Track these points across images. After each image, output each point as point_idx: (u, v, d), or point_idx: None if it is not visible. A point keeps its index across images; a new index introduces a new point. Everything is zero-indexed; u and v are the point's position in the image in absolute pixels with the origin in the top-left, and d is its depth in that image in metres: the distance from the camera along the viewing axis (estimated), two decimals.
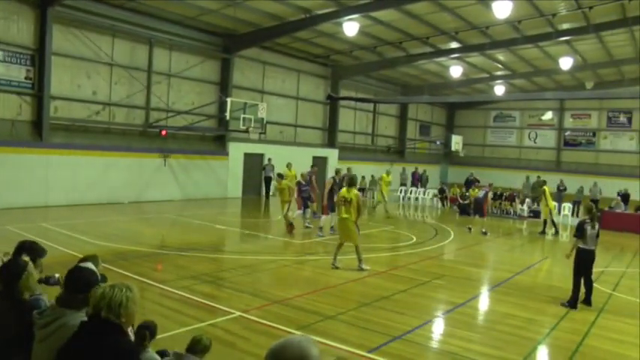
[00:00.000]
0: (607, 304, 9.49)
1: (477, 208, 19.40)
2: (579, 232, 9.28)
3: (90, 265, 3.95)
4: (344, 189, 11.57)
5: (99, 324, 3.06)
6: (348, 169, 19.09)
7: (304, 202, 16.65)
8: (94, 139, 20.03)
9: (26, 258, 4.08)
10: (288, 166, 20.90)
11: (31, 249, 4.39)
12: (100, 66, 20.14)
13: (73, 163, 18.81)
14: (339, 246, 11.36)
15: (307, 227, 16.60)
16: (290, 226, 15.64)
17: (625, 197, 25.47)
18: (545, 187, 19.51)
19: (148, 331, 4.03)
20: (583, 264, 9.22)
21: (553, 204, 19.95)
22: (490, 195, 21.05)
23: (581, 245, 9.27)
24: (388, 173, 22.93)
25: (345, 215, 11.26)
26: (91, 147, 19.51)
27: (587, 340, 7.46)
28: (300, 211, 16.67)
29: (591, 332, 7.84)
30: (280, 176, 17.27)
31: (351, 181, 11.71)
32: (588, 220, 9.35)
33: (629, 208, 23.86)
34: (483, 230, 18.47)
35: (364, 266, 11.17)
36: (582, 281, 9.26)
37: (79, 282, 3.51)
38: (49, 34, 17.89)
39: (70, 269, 3.73)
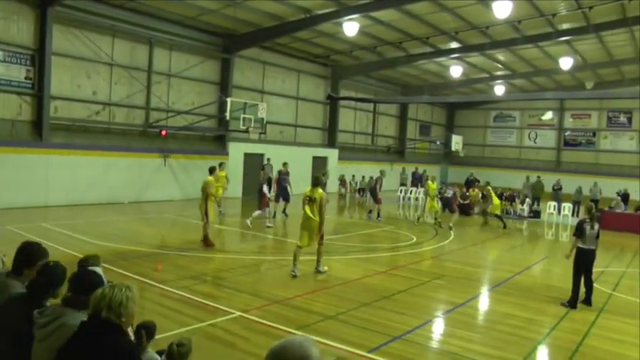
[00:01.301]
0: (607, 304, 9.50)
1: (446, 205, 21.69)
2: (578, 231, 9.32)
3: (97, 269, 3.97)
4: (308, 188, 10.92)
5: (99, 324, 3.07)
6: (285, 164, 20.06)
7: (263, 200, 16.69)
8: (94, 139, 20.03)
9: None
10: (222, 165, 18.01)
11: (36, 252, 4.32)
12: (100, 66, 20.14)
13: (73, 163, 18.81)
14: (298, 249, 10.60)
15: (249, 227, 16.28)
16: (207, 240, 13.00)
17: (625, 197, 25.45)
18: (489, 187, 21.32)
19: (147, 331, 4.02)
20: (583, 264, 9.25)
21: (498, 201, 21.50)
22: (458, 194, 23.70)
23: (580, 245, 9.29)
24: (433, 180, 20.85)
25: (309, 214, 10.52)
26: (91, 147, 19.51)
27: (587, 340, 7.47)
28: (260, 211, 16.60)
29: (591, 332, 7.85)
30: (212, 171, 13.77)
31: (317, 181, 10.89)
32: (588, 220, 9.38)
33: (629, 208, 23.83)
34: (450, 225, 18.90)
35: (297, 270, 10.49)
36: (582, 281, 9.28)
37: (84, 284, 3.53)
38: (49, 34, 17.88)
39: (75, 271, 3.75)
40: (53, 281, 3.76)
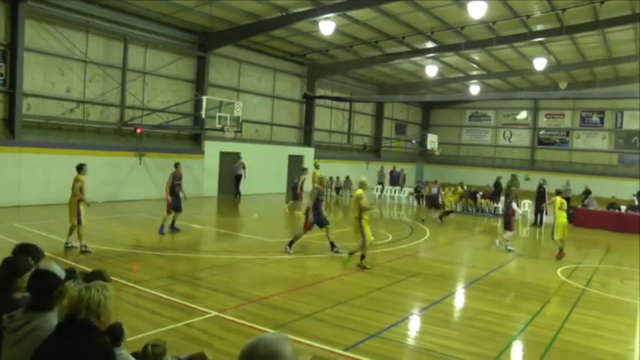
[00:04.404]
0: (580, 300, 9.66)
1: (433, 202, 22.23)
2: None
3: (53, 265, 3.89)
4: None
5: (76, 325, 3.03)
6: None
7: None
8: (68, 137, 19.70)
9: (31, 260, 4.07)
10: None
11: (32, 252, 4.31)
12: (73, 63, 19.81)
13: (46, 162, 18.45)
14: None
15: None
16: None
17: (586, 194, 26.01)
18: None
19: (116, 332, 3.96)
20: None
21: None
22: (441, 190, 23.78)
23: None
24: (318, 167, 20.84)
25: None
26: (64, 145, 19.17)
27: (560, 335, 7.59)
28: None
29: (565, 327, 7.97)
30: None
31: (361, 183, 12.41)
32: None
33: (602, 206, 24.27)
34: (439, 216, 20.98)
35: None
36: None
37: (43, 284, 3.48)
38: (20, 29, 17.50)
39: (31, 273, 3.69)
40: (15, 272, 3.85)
